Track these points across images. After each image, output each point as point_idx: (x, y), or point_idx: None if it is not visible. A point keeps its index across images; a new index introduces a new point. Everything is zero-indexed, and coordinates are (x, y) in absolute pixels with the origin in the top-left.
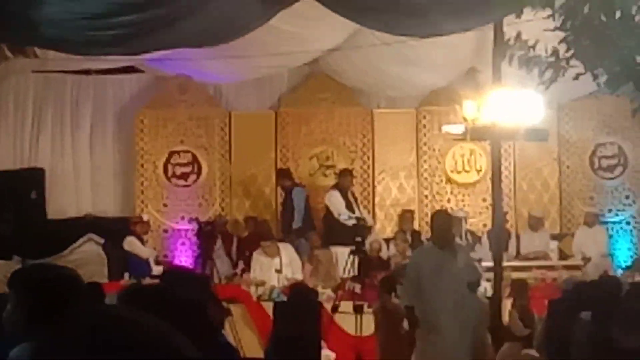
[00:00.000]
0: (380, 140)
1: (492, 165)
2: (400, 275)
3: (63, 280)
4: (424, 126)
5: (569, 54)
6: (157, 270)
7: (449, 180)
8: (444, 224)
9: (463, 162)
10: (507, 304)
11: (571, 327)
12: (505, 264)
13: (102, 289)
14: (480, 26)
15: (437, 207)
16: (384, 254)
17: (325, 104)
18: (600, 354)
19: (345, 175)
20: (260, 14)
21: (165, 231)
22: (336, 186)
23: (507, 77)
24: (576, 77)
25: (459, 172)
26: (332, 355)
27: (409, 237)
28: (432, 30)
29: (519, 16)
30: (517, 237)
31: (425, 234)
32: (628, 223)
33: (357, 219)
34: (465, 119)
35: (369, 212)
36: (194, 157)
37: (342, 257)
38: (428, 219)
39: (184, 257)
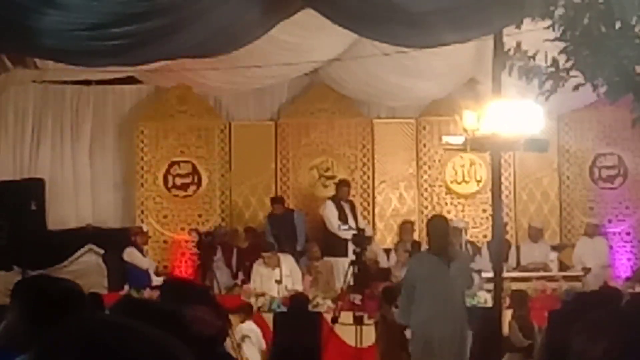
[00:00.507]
0: (380, 151)
1: (492, 175)
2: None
3: (65, 292)
4: (424, 136)
5: (568, 65)
6: (157, 281)
7: (449, 191)
8: (440, 228)
9: (463, 172)
10: (507, 315)
11: (571, 339)
12: (505, 274)
13: (102, 299)
14: (480, 37)
15: None
16: (383, 263)
17: (325, 114)
18: None
19: (341, 185)
20: (260, 24)
21: (165, 242)
22: (333, 197)
23: (507, 88)
24: (576, 88)
25: (459, 183)
26: None
27: (409, 248)
28: (432, 41)
29: (518, 27)
30: (517, 248)
31: (425, 244)
32: (628, 233)
33: (357, 229)
34: (465, 130)
35: (368, 222)
36: (194, 167)
37: (342, 268)
38: None
39: (184, 268)
